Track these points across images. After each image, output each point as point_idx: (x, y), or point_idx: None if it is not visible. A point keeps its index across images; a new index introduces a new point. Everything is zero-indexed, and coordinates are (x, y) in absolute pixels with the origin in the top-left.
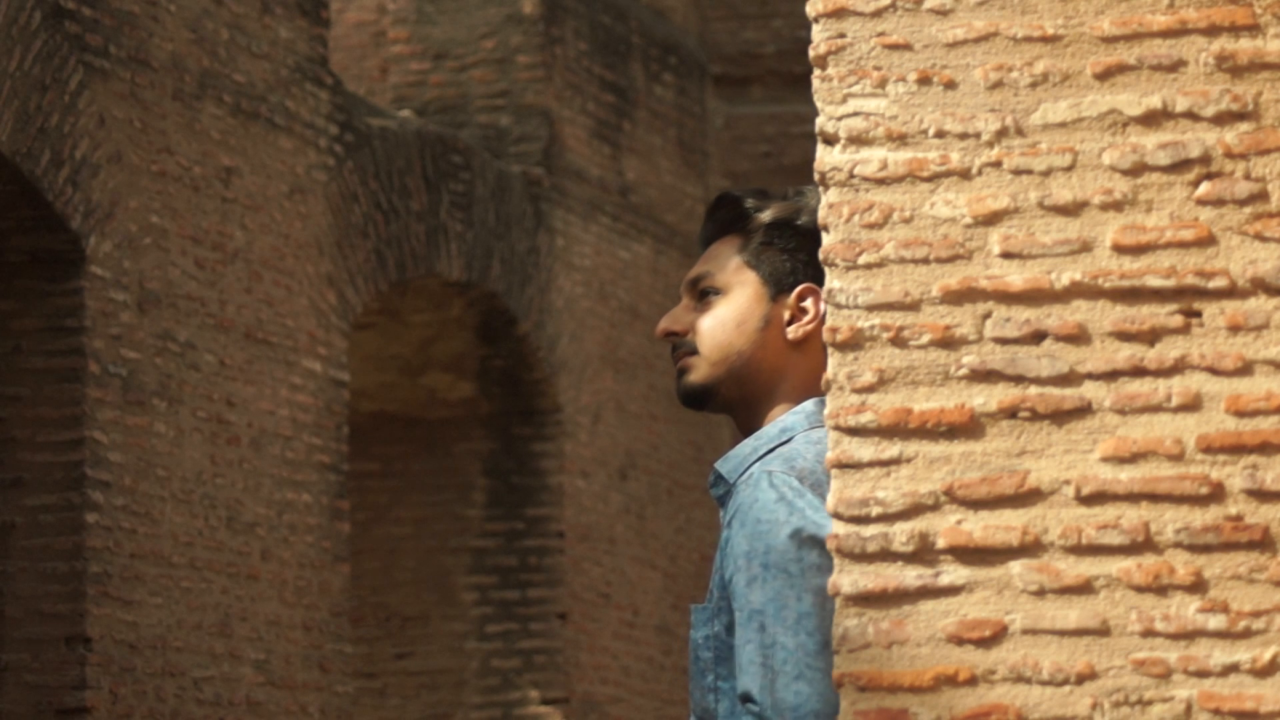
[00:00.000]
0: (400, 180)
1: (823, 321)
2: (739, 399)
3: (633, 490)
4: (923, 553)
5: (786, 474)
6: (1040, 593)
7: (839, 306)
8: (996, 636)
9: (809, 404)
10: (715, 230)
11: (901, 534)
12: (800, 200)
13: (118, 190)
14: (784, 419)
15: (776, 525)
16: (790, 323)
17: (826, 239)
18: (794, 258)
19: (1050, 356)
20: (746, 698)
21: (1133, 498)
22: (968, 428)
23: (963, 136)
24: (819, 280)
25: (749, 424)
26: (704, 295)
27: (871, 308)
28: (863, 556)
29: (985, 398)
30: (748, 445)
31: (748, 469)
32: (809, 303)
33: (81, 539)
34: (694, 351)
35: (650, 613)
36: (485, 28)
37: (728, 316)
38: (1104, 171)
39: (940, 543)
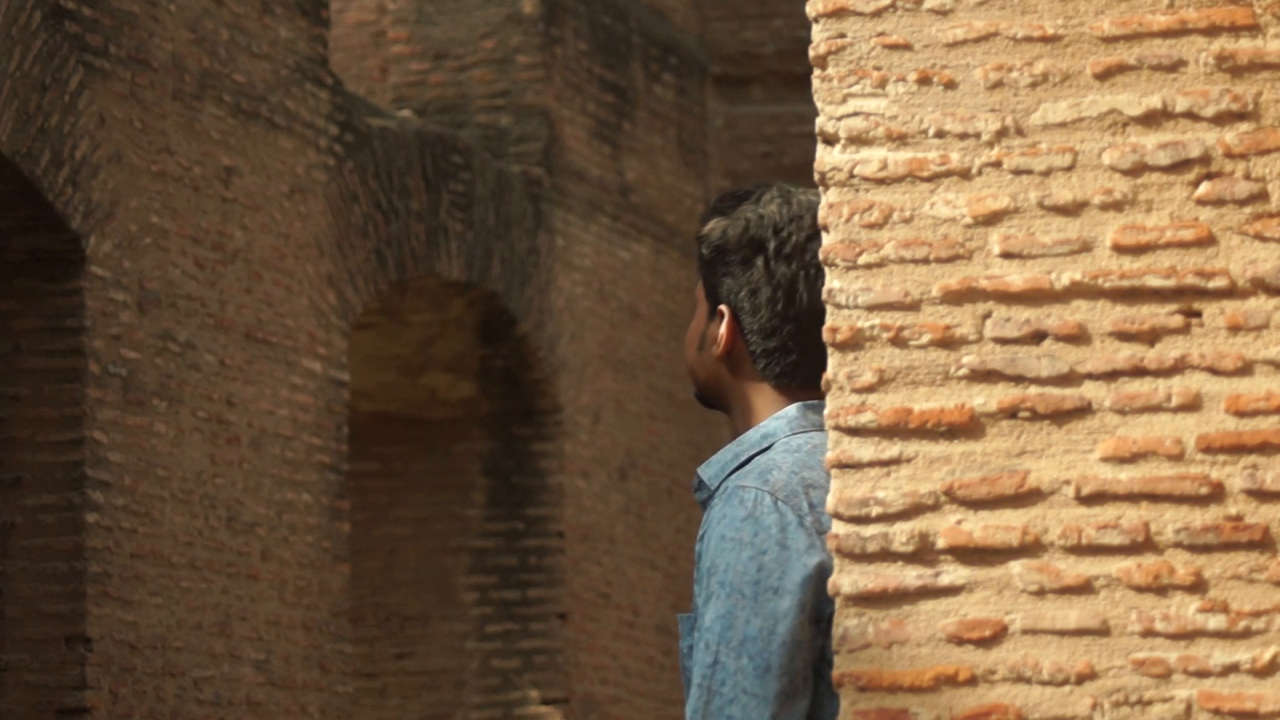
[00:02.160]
0: (400, 180)
1: (731, 340)
2: (715, 405)
3: (633, 490)
4: (923, 553)
5: (760, 489)
6: (1040, 593)
7: (839, 306)
8: (996, 636)
9: (792, 409)
10: None
11: (901, 534)
12: (738, 211)
13: (118, 190)
14: (766, 424)
15: (739, 545)
16: (713, 341)
17: (826, 239)
18: (715, 275)
19: (1050, 356)
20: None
21: (1133, 498)
22: (968, 428)
23: (963, 136)
24: (734, 294)
25: (734, 428)
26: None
27: (871, 308)
28: (863, 556)
29: (985, 398)
30: (729, 451)
31: (726, 478)
32: (719, 327)
33: (81, 539)
34: None
35: (650, 613)
36: (485, 28)
37: (688, 335)
38: (1104, 171)
39: (940, 543)
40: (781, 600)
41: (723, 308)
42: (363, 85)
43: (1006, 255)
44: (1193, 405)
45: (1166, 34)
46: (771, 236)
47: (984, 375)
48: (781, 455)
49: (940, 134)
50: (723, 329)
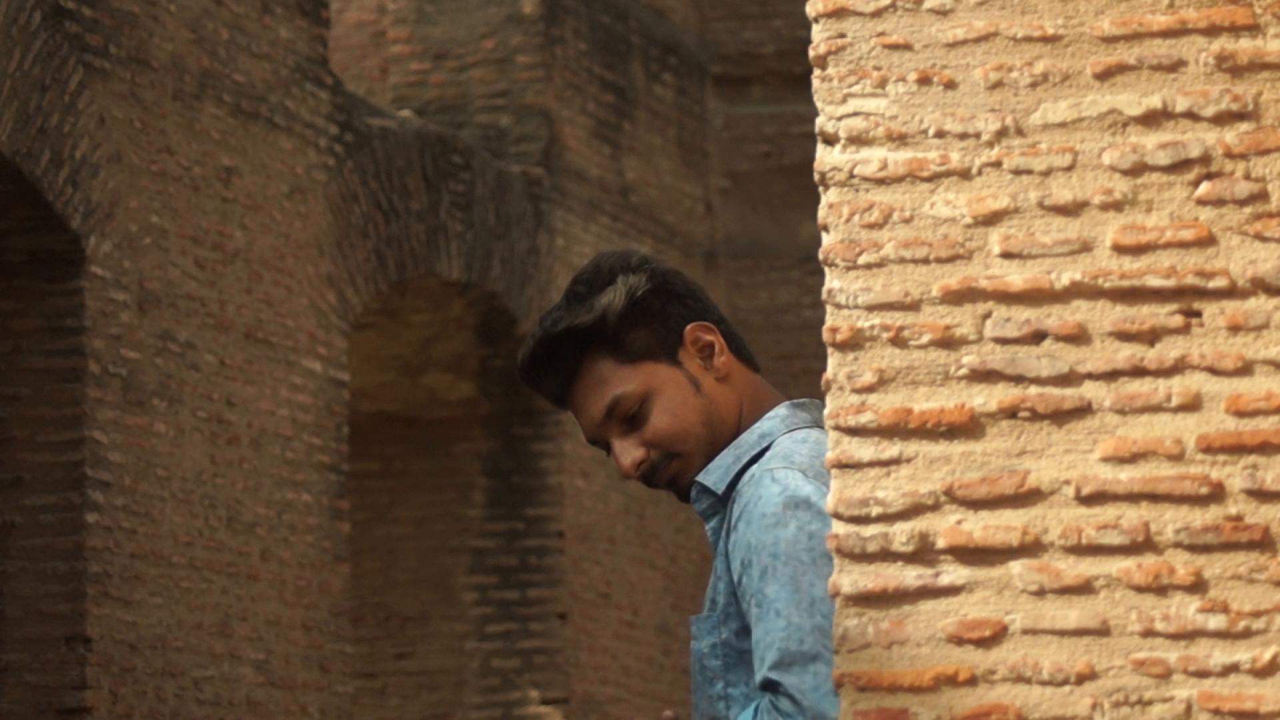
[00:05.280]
0: (400, 180)
1: (725, 345)
2: (715, 453)
3: (633, 490)
4: (923, 553)
5: (788, 468)
6: (1040, 593)
7: (839, 306)
8: (996, 636)
9: (781, 409)
10: (571, 368)
11: (901, 534)
12: (614, 274)
13: (118, 190)
14: (760, 425)
15: (782, 520)
16: (706, 365)
17: (826, 239)
18: (658, 320)
19: (1050, 356)
20: (767, 684)
21: (1133, 498)
22: (968, 428)
23: (963, 136)
24: (689, 312)
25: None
26: (631, 416)
27: (871, 308)
28: (863, 556)
29: (985, 398)
30: (728, 455)
31: (736, 477)
32: (706, 336)
33: (81, 539)
34: (675, 456)
35: (650, 613)
36: (485, 28)
37: (671, 408)
38: (1104, 171)
39: (940, 543)
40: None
41: (693, 331)
42: (363, 85)
43: (1006, 255)
44: (1193, 405)
45: (1166, 34)
46: (641, 263)
47: (984, 375)
48: (792, 445)
49: (940, 134)
50: (711, 339)
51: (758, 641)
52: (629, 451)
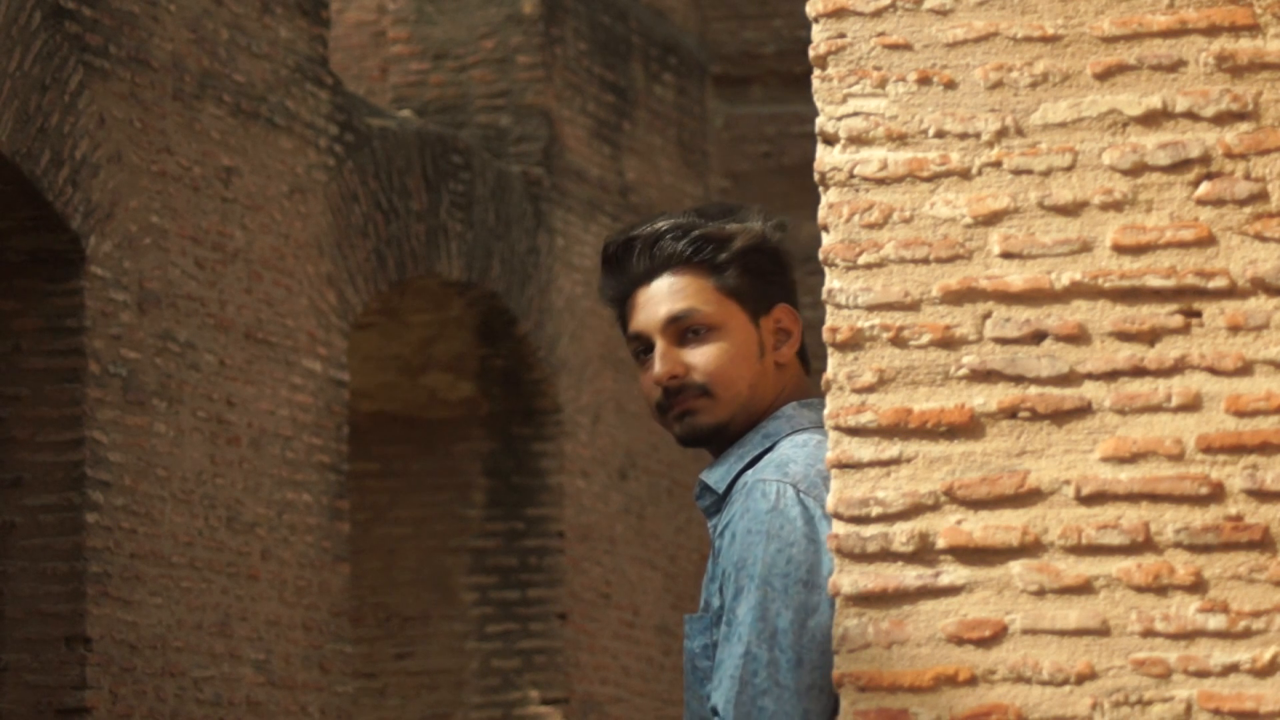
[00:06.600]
0: (400, 180)
1: (798, 340)
2: (741, 430)
3: (633, 490)
4: (923, 553)
5: (781, 481)
6: (1040, 593)
7: (839, 306)
8: (996, 636)
9: (787, 408)
10: (665, 264)
11: (901, 534)
12: (748, 219)
13: (118, 190)
14: (765, 425)
15: (766, 538)
16: (776, 345)
17: (826, 239)
18: (766, 280)
19: (1050, 356)
20: (714, 711)
21: (1133, 498)
22: (968, 428)
23: (963, 136)
24: (788, 294)
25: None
26: (689, 333)
27: (871, 308)
28: (863, 556)
29: (985, 398)
30: (732, 454)
31: (736, 478)
32: (789, 323)
33: (81, 539)
34: (705, 393)
35: (650, 613)
36: (485, 28)
37: (732, 352)
38: (1104, 171)
39: (940, 543)
40: (813, 594)
41: (783, 310)
42: (363, 85)
43: (1006, 255)
44: (1193, 405)
45: (1166, 34)
46: (780, 227)
47: (984, 375)
48: (792, 450)
49: (940, 134)
50: (792, 327)
51: (719, 662)
52: (671, 361)
